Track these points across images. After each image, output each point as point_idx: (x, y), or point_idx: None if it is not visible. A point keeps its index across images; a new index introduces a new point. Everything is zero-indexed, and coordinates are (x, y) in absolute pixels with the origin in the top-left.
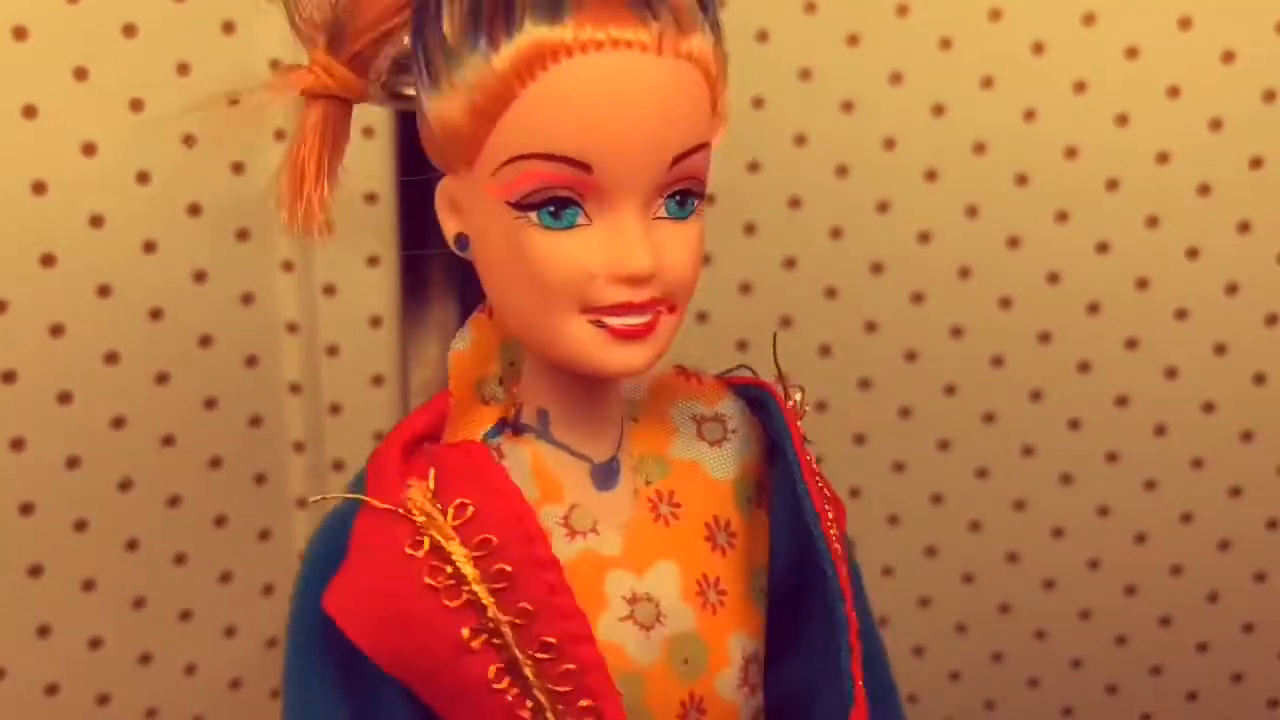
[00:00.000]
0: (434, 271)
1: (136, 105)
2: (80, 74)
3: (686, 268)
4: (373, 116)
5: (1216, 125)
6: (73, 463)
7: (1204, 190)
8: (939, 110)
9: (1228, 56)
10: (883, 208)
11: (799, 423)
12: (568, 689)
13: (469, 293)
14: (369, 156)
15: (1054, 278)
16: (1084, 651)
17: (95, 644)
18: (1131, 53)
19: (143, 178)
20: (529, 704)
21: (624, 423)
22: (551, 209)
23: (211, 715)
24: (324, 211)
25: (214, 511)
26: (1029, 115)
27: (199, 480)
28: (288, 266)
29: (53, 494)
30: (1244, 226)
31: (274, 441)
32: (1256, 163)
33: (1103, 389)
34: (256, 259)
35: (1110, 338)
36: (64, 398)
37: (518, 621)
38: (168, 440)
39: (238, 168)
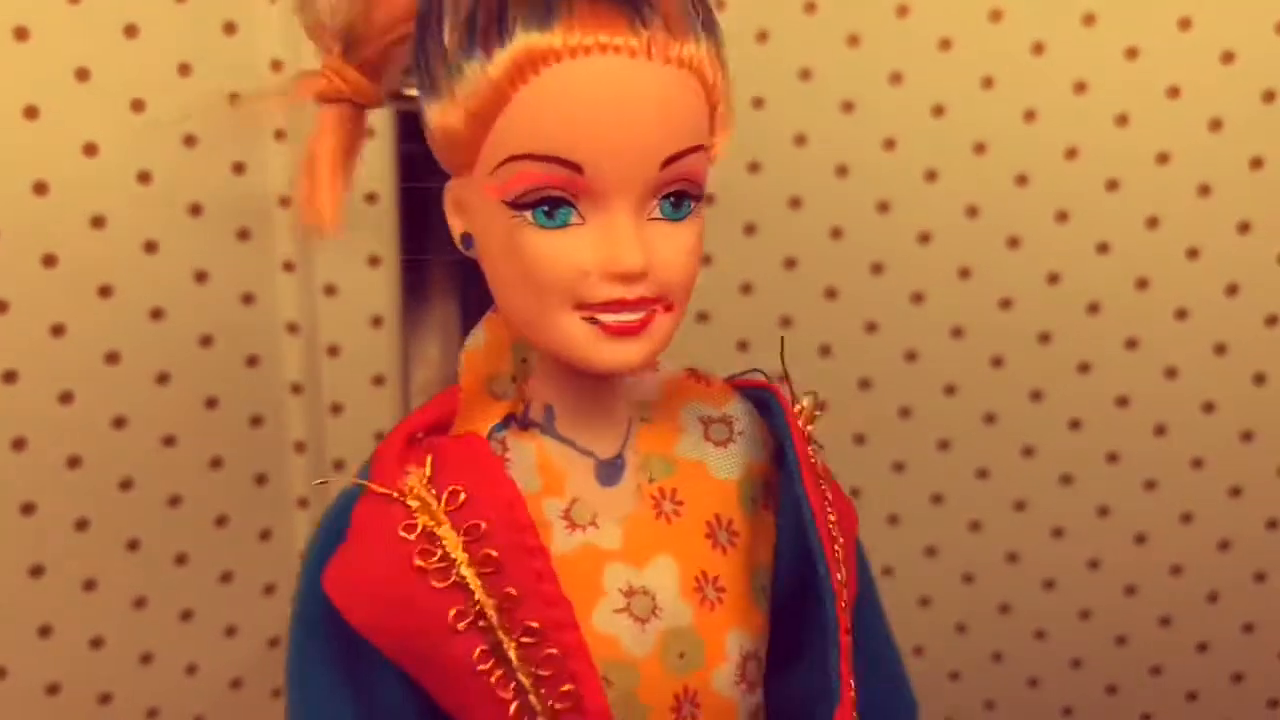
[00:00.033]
0: (434, 272)
1: (138, 106)
2: (82, 74)
3: (680, 267)
4: (373, 117)
5: (1216, 126)
6: (74, 462)
7: (1204, 191)
8: (939, 110)
9: (1227, 57)
10: (883, 208)
11: (811, 426)
12: (550, 673)
13: (469, 293)
14: (369, 157)
15: (1054, 278)
16: (1084, 651)
17: (96, 643)
18: (1131, 53)
19: (144, 178)
20: (512, 686)
21: (633, 422)
22: (546, 208)
23: (212, 715)
24: (337, 212)
25: (215, 511)
26: (1029, 116)
27: (200, 480)
28: (288, 267)
29: (54, 494)
30: (1244, 227)
31: (275, 441)
32: (1256, 163)
33: (1103, 389)
34: (257, 259)
35: (1110, 338)
36: (65, 398)
37: (503, 605)
38: (169, 440)
39: (239, 168)
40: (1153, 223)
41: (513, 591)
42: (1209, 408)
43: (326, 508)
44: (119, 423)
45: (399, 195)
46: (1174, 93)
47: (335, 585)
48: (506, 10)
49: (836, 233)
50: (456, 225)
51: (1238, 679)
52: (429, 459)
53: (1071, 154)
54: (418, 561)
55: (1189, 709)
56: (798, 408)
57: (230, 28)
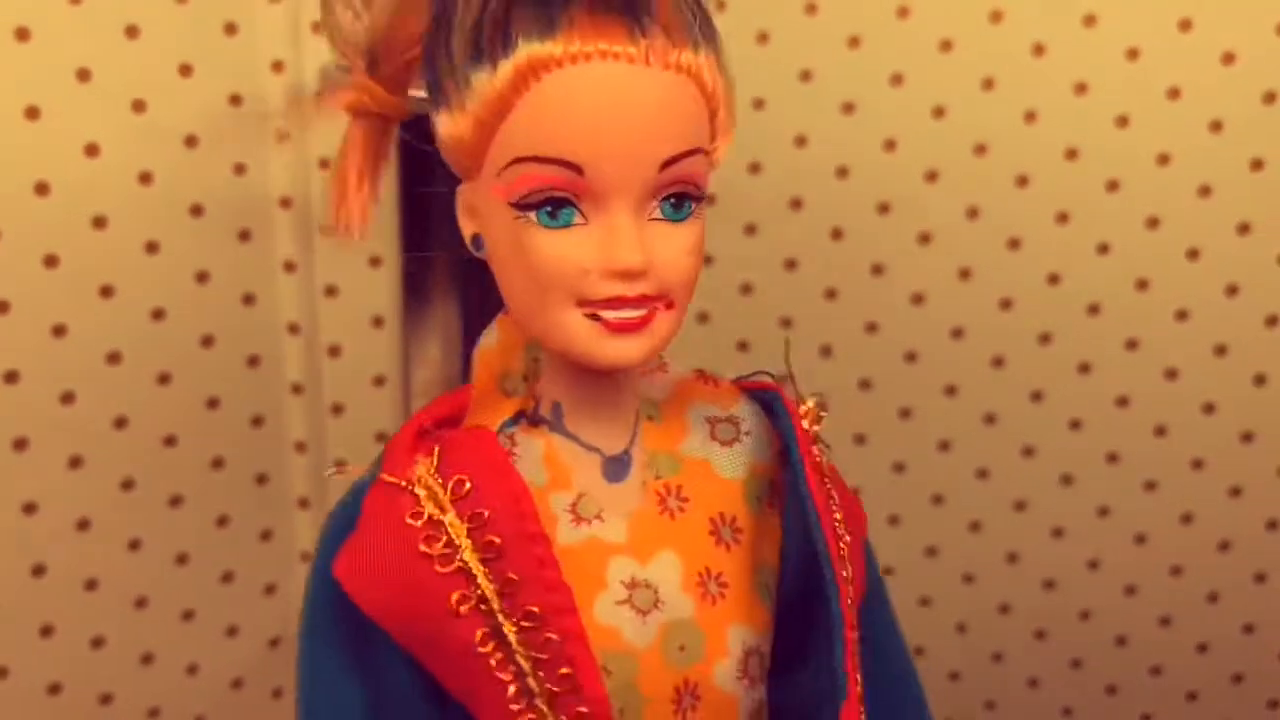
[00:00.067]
0: (435, 272)
1: (139, 106)
2: (83, 75)
3: (680, 267)
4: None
5: (1217, 127)
6: (75, 463)
7: (1204, 191)
8: (940, 112)
9: (1228, 58)
10: (883, 209)
11: (817, 426)
12: (548, 656)
13: (469, 294)
14: None
15: (1054, 279)
16: (1084, 651)
17: (97, 643)
18: (1132, 54)
19: (145, 179)
20: (511, 668)
21: (641, 420)
22: (549, 209)
23: (213, 715)
24: (366, 221)
25: (216, 511)
26: (1029, 117)
27: (201, 480)
28: (289, 267)
29: (55, 494)
30: (1244, 228)
31: (276, 442)
32: (1257, 164)
33: (1103, 390)
34: (258, 260)
35: (1111, 339)
36: (66, 398)
37: (504, 590)
38: (170, 440)
39: (240, 169)
40: (1153, 223)
41: (514, 577)
42: (1209, 408)
43: (340, 498)
44: (120, 423)
45: (400, 196)
46: (1174, 94)
47: (345, 571)
48: (510, 23)
49: (837, 233)
50: (467, 227)
51: (1238, 679)
52: (436, 450)
53: (1072, 155)
54: (422, 547)
55: (1189, 709)
56: (803, 408)
57: (231, 28)
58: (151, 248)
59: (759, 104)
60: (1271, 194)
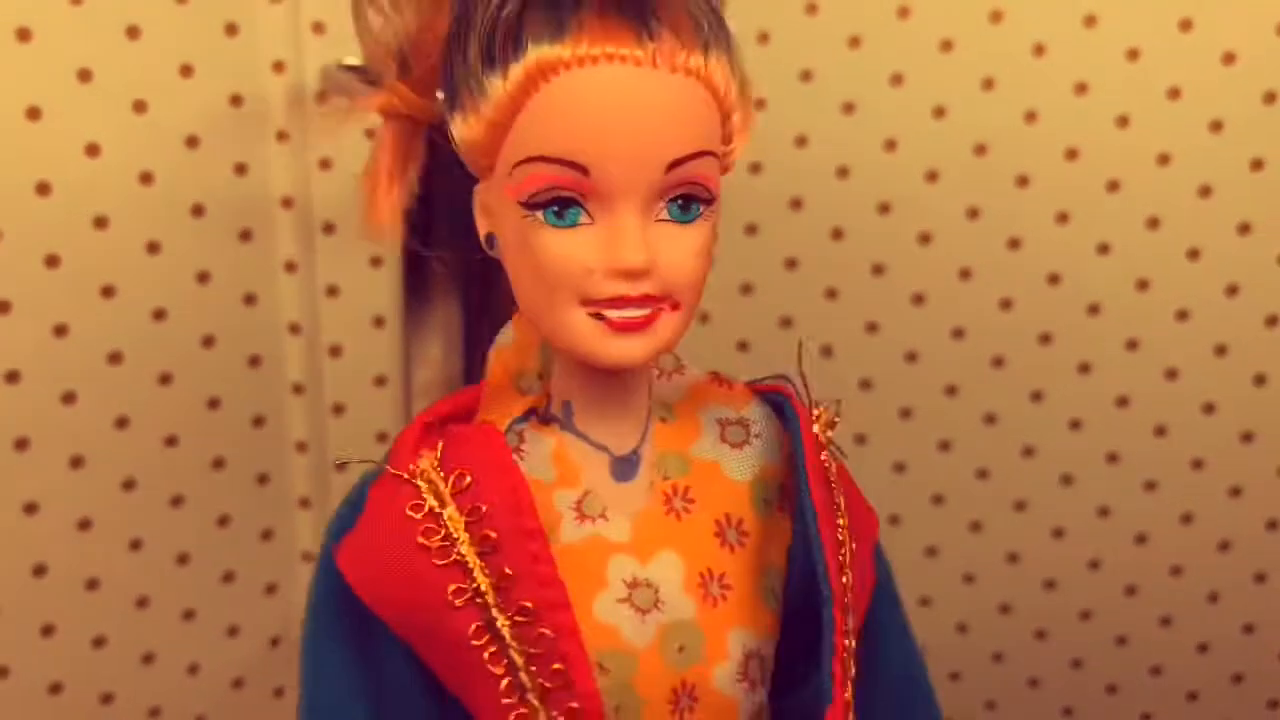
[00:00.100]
0: (436, 272)
1: (140, 106)
2: (84, 75)
3: (686, 268)
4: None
5: (1217, 127)
6: (76, 462)
7: (1204, 192)
8: (940, 112)
9: (1228, 58)
10: (884, 209)
11: (831, 431)
12: (540, 652)
13: (470, 294)
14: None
15: (1055, 279)
16: (1084, 651)
17: (98, 643)
18: (1132, 54)
19: (146, 179)
20: (504, 663)
21: (653, 421)
22: (556, 208)
23: (214, 714)
24: (396, 221)
25: (217, 511)
26: (1030, 117)
27: (202, 480)
28: (290, 267)
29: (56, 494)
30: (1244, 228)
31: (276, 442)
32: (1257, 164)
33: (1103, 390)
34: (259, 260)
35: (1111, 339)
36: (68, 398)
37: (499, 584)
38: (171, 440)
39: (241, 169)
40: (1153, 223)
41: (509, 571)
42: (1209, 408)
43: (349, 491)
44: (121, 423)
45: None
46: (1175, 94)
47: (348, 561)
48: (523, 27)
49: (837, 233)
50: (482, 226)
51: (1238, 679)
52: (440, 444)
53: (1072, 155)
54: (421, 539)
55: (1189, 709)
56: (816, 412)
57: (232, 29)
58: (153, 248)
59: (759, 104)
60: (1271, 194)
